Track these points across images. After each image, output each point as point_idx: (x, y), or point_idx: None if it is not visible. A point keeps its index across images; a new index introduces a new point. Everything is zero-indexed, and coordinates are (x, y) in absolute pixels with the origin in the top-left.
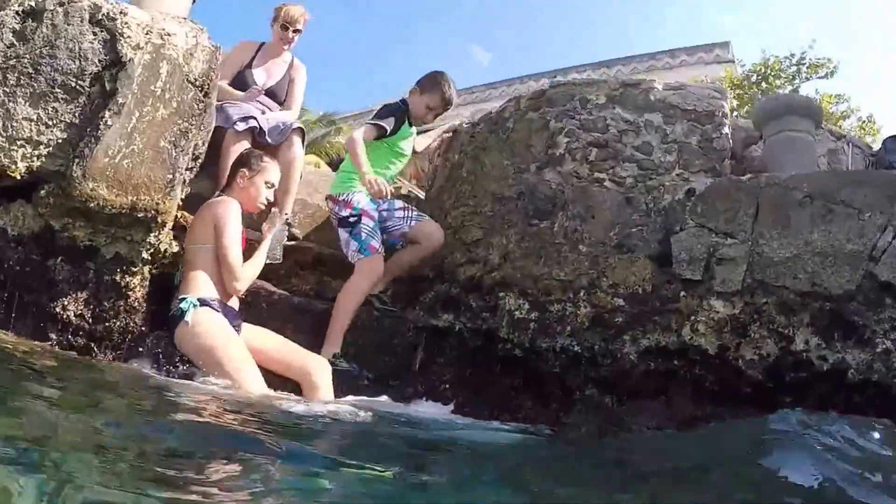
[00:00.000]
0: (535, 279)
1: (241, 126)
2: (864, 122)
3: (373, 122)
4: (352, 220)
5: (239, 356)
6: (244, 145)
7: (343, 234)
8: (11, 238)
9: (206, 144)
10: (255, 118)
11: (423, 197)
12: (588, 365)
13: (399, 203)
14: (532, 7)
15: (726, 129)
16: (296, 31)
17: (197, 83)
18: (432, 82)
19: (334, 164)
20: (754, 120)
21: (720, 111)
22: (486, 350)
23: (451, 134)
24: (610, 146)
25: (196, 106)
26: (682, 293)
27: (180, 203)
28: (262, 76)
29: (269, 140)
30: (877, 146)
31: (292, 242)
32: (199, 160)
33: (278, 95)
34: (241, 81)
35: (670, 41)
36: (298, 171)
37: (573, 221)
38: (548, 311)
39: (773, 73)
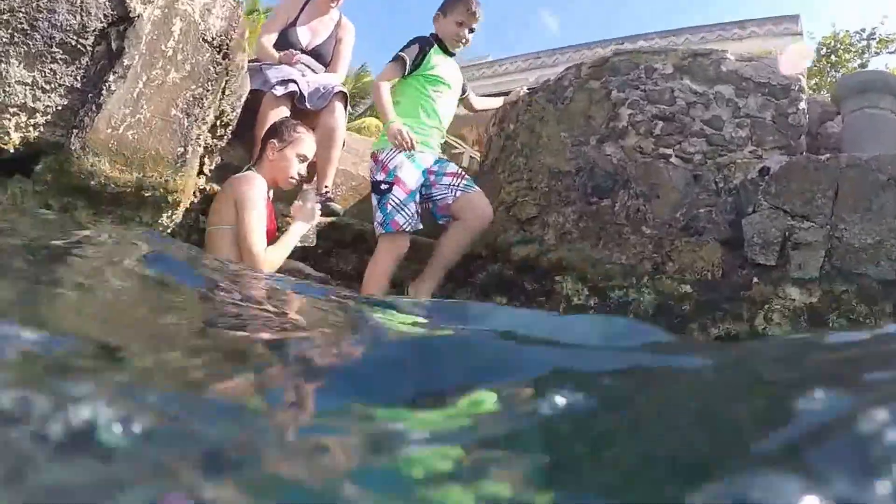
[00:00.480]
0: (594, 263)
1: (279, 90)
2: None
3: (391, 61)
4: (384, 186)
5: None
6: (283, 111)
7: (374, 199)
8: None
9: (238, 110)
10: (294, 81)
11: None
12: None
13: (452, 167)
14: None
15: (803, 105)
16: None
17: (214, 43)
18: (454, 2)
19: None
20: (833, 95)
21: (797, 85)
22: None
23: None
24: (677, 119)
25: (213, 69)
26: (755, 279)
27: (209, 174)
28: (307, 35)
29: (310, 105)
30: None
31: (332, 218)
32: (230, 127)
33: (323, 56)
34: (284, 40)
35: (740, 12)
36: (341, 138)
37: (636, 200)
38: (608, 298)
39: (842, 47)
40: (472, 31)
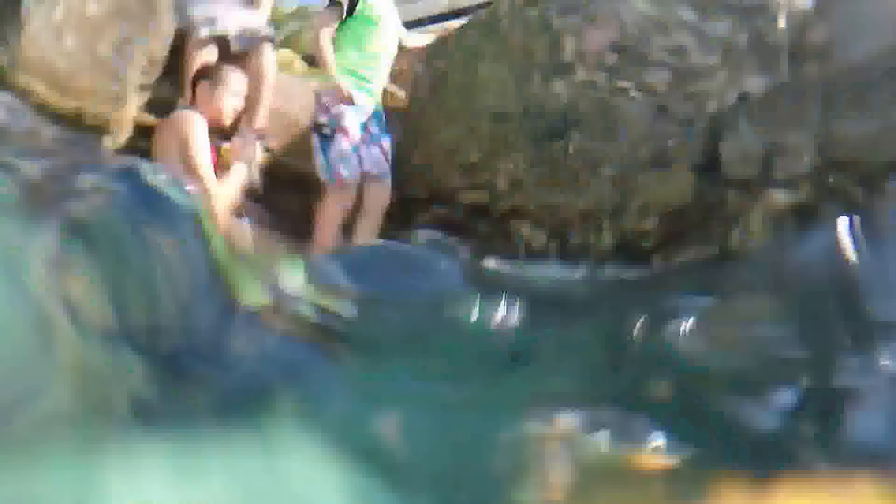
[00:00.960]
0: (550, 209)
1: (203, 31)
2: None
3: (327, 6)
4: (325, 131)
5: None
6: (210, 51)
7: (315, 140)
8: None
9: (166, 50)
10: (217, 21)
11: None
12: None
13: (385, 141)
14: None
15: (782, 24)
16: None
17: None
18: None
19: (309, 61)
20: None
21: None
22: None
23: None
24: (631, 50)
25: (138, 7)
26: (732, 194)
27: (144, 109)
28: None
29: (238, 47)
30: None
31: (269, 161)
32: (158, 66)
33: None
34: None
35: None
36: (270, 80)
37: (592, 141)
38: (567, 241)
39: None
40: None
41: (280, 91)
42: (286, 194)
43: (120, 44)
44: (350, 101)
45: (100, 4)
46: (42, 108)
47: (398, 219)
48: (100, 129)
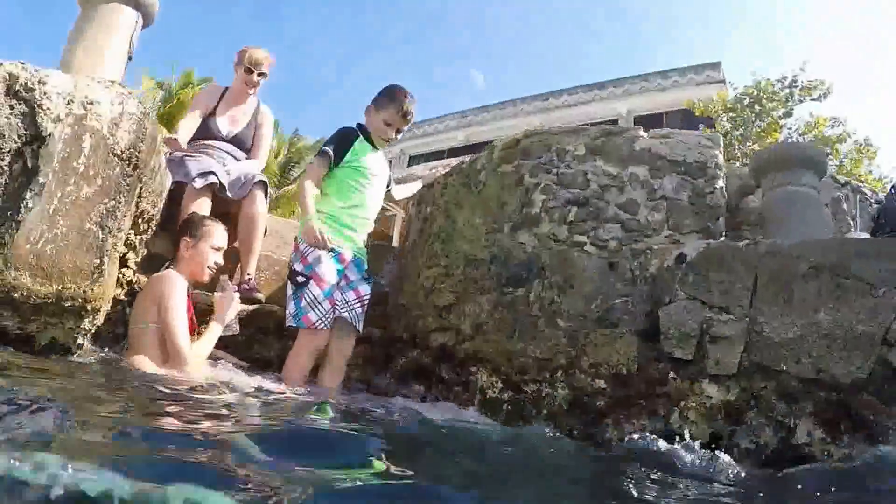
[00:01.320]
0: (508, 356)
1: (199, 182)
2: (861, 145)
3: (316, 155)
4: (300, 279)
5: None
6: (204, 202)
7: (289, 287)
8: None
9: (159, 206)
10: (214, 173)
11: None
12: None
13: (363, 288)
14: (526, 29)
15: (720, 183)
16: (260, 74)
17: (124, 156)
18: (387, 96)
19: None
20: (751, 169)
21: (713, 162)
22: None
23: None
24: (591, 204)
25: (124, 182)
26: (672, 374)
27: (136, 268)
28: (226, 124)
29: (231, 195)
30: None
31: (255, 307)
32: (153, 222)
33: (243, 142)
34: (205, 130)
35: (659, 63)
36: (262, 227)
37: (550, 291)
38: (523, 391)
39: (765, 97)
40: (399, 131)
41: (274, 234)
42: (269, 341)
43: (104, 216)
44: (324, 248)
45: (91, 185)
46: (26, 300)
47: (378, 361)
48: (79, 312)
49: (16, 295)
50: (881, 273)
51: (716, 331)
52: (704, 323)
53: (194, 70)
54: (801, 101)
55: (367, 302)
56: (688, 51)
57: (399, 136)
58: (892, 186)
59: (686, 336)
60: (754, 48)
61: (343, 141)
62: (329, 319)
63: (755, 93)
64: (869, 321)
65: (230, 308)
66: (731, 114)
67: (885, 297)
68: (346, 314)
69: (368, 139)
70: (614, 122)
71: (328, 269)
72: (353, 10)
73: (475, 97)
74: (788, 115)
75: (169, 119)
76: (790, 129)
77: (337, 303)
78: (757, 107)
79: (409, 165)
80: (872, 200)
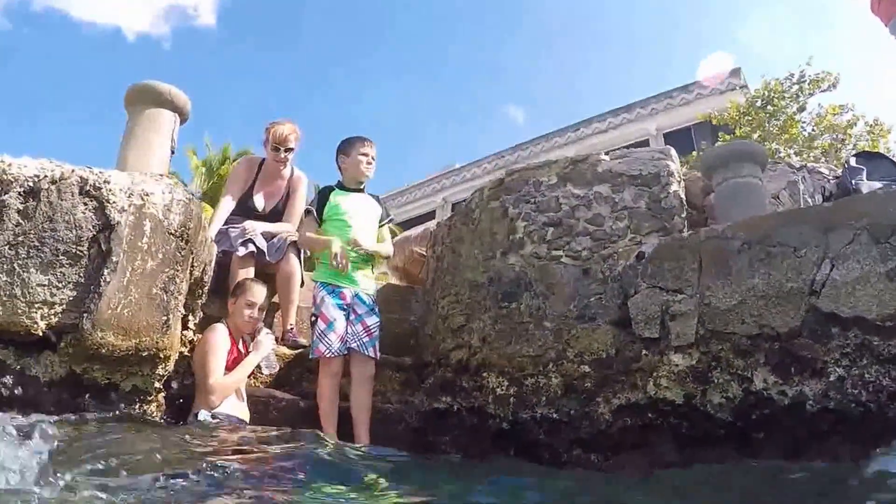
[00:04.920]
0: (509, 358)
1: (241, 251)
2: (871, 126)
3: (304, 216)
4: (313, 318)
5: None
6: (248, 267)
7: (311, 327)
8: (44, 383)
9: (209, 274)
10: (253, 242)
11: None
12: (568, 429)
13: (372, 320)
14: (559, 59)
15: (674, 188)
16: (288, 150)
17: (177, 234)
18: (346, 142)
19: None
20: (702, 171)
21: (665, 171)
22: (480, 426)
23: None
24: (564, 223)
25: (179, 254)
26: (644, 352)
27: (194, 328)
28: (262, 201)
29: (269, 259)
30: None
31: (299, 350)
32: (205, 287)
33: (281, 214)
34: (244, 207)
35: (685, 77)
36: (298, 282)
37: (536, 300)
38: (524, 385)
39: (776, 96)
40: (373, 160)
41: (311, 288)
42: (313, 378)
43: (166, 282)
44: (344, 269)
45: (154, 259)
46: (111, 354)
47: (413, 382)
48: (153, 360)
49: (103, 351)
50: (801, 236)
51: (674, 309)
52: (664, 305)
53: (230, 144)
54: (811, 95)
55: (374, 332)
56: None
57: (369, 166)
58: (846, 163)
59: (651, 318)
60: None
61: (320, 198)
62: (336, 349)
63: (766, 94)
64: (796, 278)
65: (263, 348)
66: (746, 117)
67: (806, 256)
68: (355, 345)
69: (345, 189)
70: (645, 142)
71: (330, 307)
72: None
73: (515, 133)
74: (802, 109)
75: (214, 195)
76: (805, 122)
77: (347, 336)
78: (770, 107)
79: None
80: (830, 177)
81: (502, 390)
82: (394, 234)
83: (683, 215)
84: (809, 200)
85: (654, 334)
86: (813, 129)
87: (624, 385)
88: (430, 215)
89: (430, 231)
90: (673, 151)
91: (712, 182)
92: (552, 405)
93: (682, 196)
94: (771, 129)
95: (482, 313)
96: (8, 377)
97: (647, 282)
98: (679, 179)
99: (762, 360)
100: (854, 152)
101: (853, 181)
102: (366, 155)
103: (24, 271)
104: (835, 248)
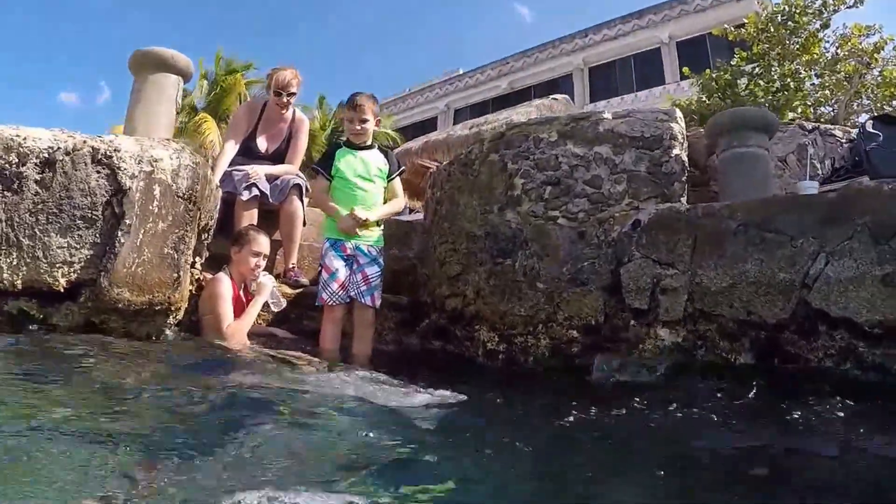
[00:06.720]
0: (501, 315)
1: (245, 195)
2: None
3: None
4: (318, 268)
5: None
6: (251, 209)
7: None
8: (63, 329)
9: (214, 219)
10: (256, 185)
11: None
12: None
13: (372, 269)
14: None
15: (676, 151)
16: (290, 94)
17: (185, 196)
18: (345, 103)
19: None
20: (706, 135)
21: (668, 134)
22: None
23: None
24: (562, 183)
25: (187, 215)
26: (632, 322)
27: (201, 268)
28: (265, 143)
29: (272, 201)
30: None
31: (300, 289)
32: (211, 230)
33: (283, 157)
34: (246, 150)
35: None
36: (299, 222)
37: (531, 259)
38: (514, 344)
39: (798, 11)
40: (364, 121)
41: (315, 225)
42: (314, 316)
43: (177, 242)
44: (361, 222)
45: (164, 221)
46: (127, 308)
47: (408, 322)
48: (166, 312)
49: (120, 305)
50: (799, 224)
51: (665, 283)
52: (655, 277)
53: (237, 55)
54: (835, 11)
55: (372, 281)
56: None
57: (362, 127)
58: (863, 123)
59: (641, 289)
60: None
61: (325, 157)
62: (338, 297)
63: (787, 9)
64: (789, 268)
65: (265, 291)
66: (764, 34)
67: (802, 247)
68: (354, 293)
69: (352, 146)
70: (657, 50)
71: (332, 259)
72: None
73: (522, 33)
74: (826, 26)
75: (216, 106)
76: (828, 42)
77: (348, 285)
78: (791, 23)
79: (454, 122)
80: (844, 140)
81: (493, 345)
82: (396, 145)
83: (684, 179)
84: (818, 165)
85: (644, 305)
86: (836, 51)
87: (610, 353)
88: (432, 122)
89: (430, 143)
90: (678, 113)
91: (717, 148)
92: (539, 364)
93: (685, 160)
94: (791, 46)
95: (478, 266)
96: (32, 325)
97: (641, 251)
98: (682, 142)
99: (747, 346)
100: (871, 116)
101: (867, 147)
102: (351, 121)
103: (45, 235)
104: (832, 243)
